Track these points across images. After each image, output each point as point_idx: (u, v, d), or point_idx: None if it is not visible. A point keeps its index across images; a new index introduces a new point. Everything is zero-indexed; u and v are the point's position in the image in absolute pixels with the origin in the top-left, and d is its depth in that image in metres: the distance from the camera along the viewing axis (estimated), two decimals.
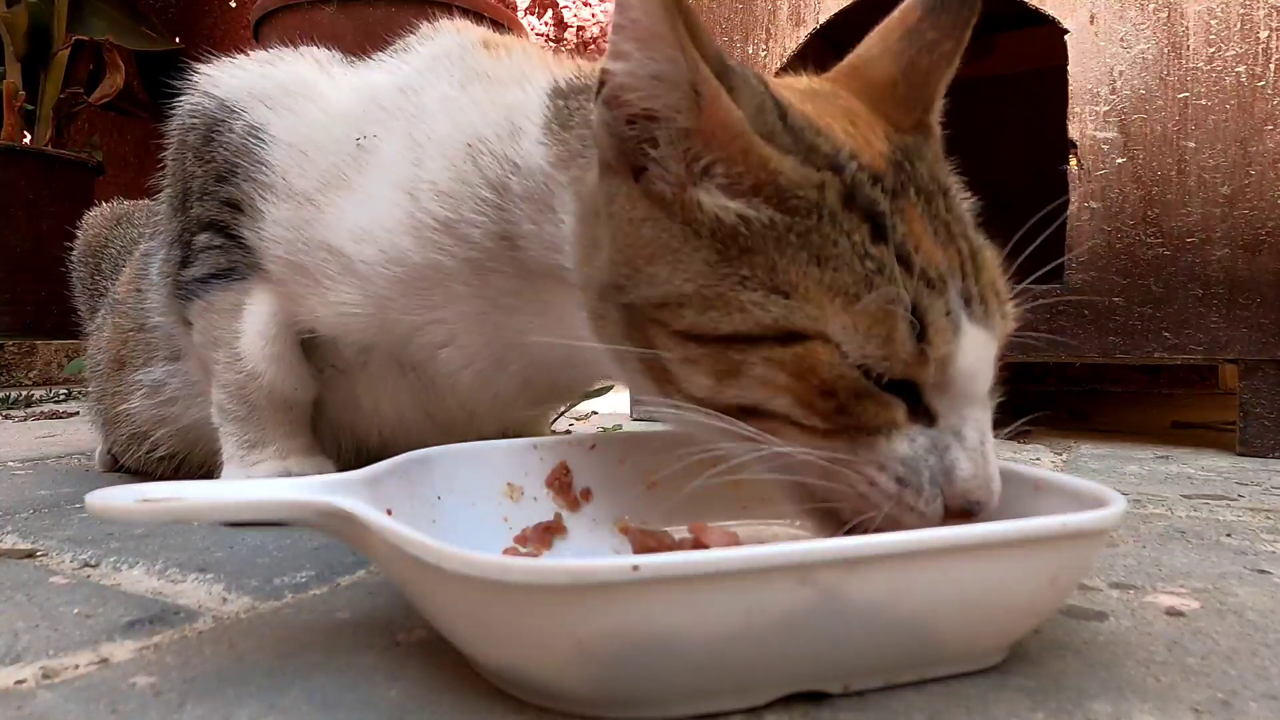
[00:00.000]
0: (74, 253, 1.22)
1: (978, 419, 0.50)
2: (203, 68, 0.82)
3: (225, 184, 0.77)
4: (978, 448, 0.49)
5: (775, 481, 0.53)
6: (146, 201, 1.24)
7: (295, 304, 0.76)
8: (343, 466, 0.85)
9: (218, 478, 0.83)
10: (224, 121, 0.78)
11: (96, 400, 1.09)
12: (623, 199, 0.53)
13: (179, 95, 0.83)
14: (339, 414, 0.86)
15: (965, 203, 0.55)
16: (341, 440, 0.88)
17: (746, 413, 0.50)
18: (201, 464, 0.95)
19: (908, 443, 0.49)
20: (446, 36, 0.76)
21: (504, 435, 0.90)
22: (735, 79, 0.50)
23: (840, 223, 0.48)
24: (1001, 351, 0.54)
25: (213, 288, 0.79)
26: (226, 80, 0.80)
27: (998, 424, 0.54)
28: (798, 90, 0.56)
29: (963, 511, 0.48)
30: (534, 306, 0.69)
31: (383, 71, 0.76)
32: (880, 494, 0.49)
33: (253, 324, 0.78)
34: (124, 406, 0.98)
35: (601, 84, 0.53)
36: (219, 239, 0.79)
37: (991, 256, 0.53)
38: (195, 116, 0.80)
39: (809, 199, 0.49)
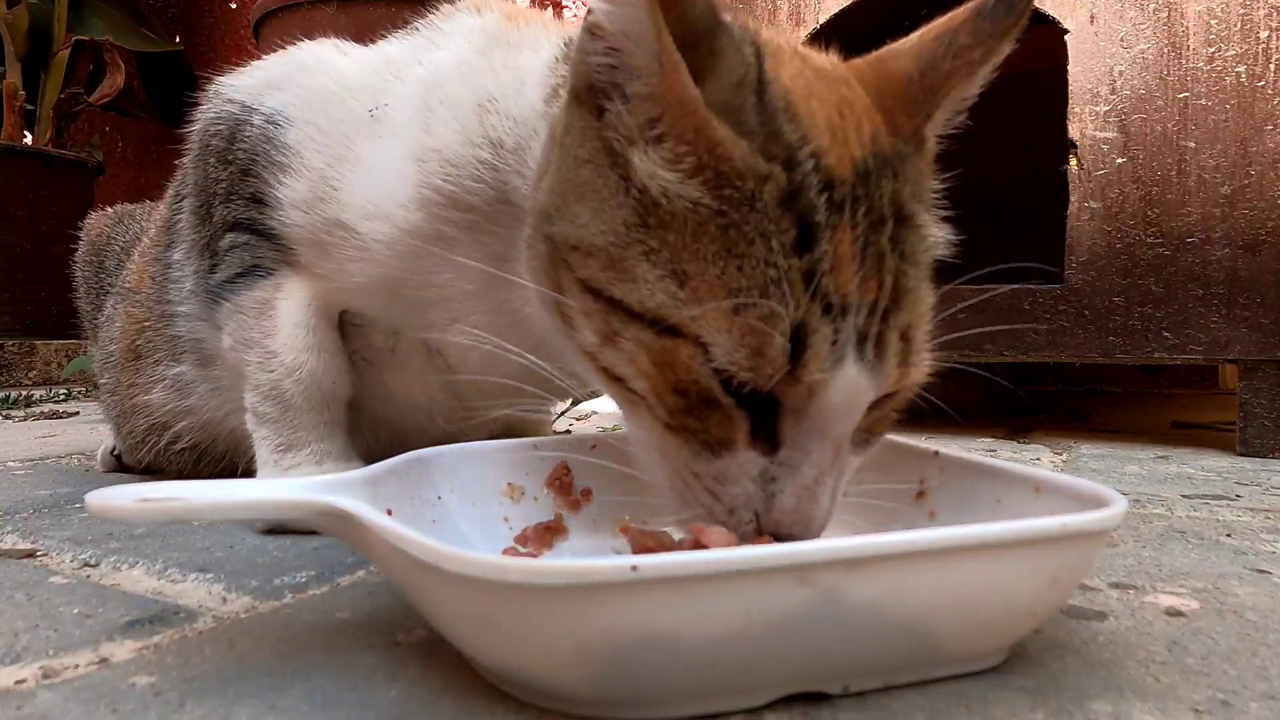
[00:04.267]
0: (78, 254, 1.23)
1: (820, 457, 0.49)
2: (223, 78, 0.83)
3: (249, 178, 0.77)
4: (809, 486, 0.49)
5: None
6: (148, 203, 1.25)
7: (326, 283, 0.77)
8: None
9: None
10: (245, 120, 0.78)
11: (110, 392, 1.08)
12: (576, 133, 0.53)
13: (197, 105, 0.83)
14: (376, 409, 0.86)
15: (927, 239, 0.52)
16: (380, 438, 0.88)
17: (617, 381, 0.51)
18: (224, 454, 0.95)
19: (735, 465, 0.49)
20: (468, 11, 0.76)
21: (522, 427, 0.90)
22: (722, 43, 0.48)
23: (767, 222, 0.46)
24: (900, 404, 0.53)
25: (239, 288, 0.79)
26: (245, 83, 0.81)
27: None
28: (810, 66, 0.54)
29: (773, 537, 0.49)
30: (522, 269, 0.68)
31: (400, 45, 0.77)
32: (694, 499, 0.51)
33: (289, 316, 0.78)
34: (143, 398, 0.97)
35: (590, 9, 0.51)
36: (244, 236, 0.79)
37: (920, 303, 0.51)
38: (220, 123, 0.80)
39: (745, 191, 0.47)
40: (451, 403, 0.82)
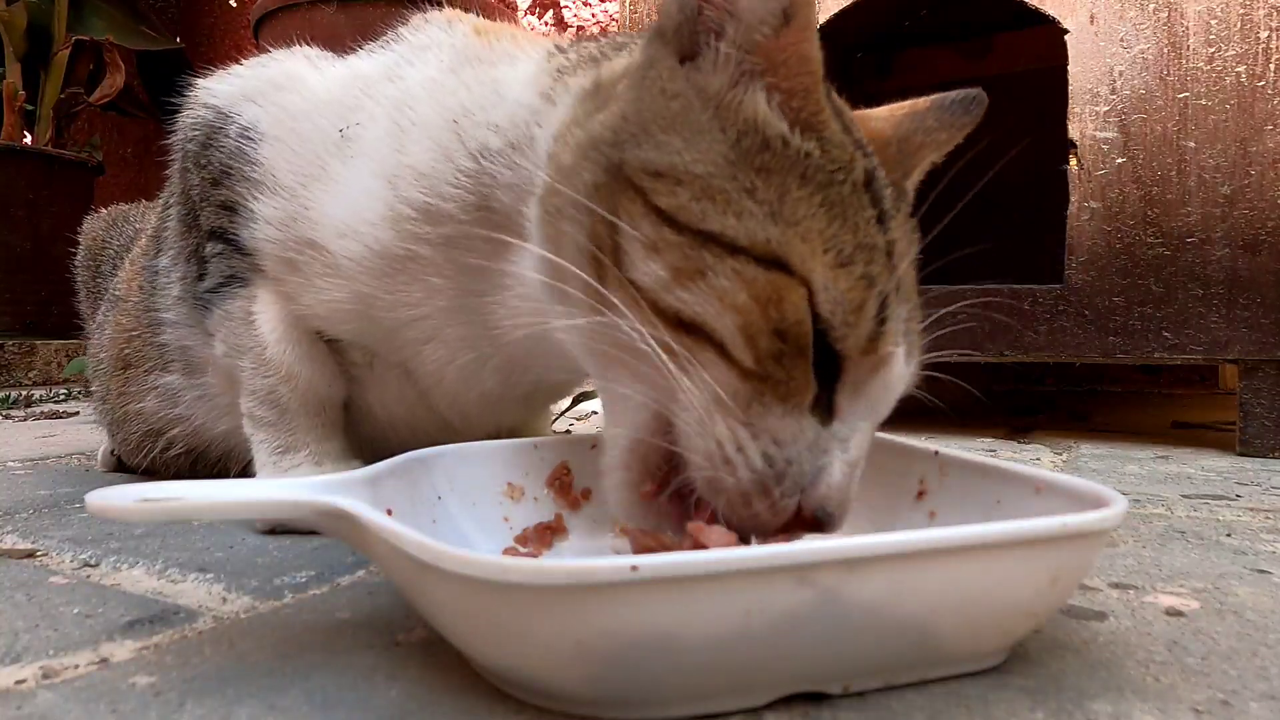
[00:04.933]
0: (76, 258, 1.23)
1: (863, 438, 0.51)
2: (201, 81, 0.82)
3: (220, 187, 0.77)
4: (853, 463, 0.50)
5: (622, 400, 0.53)
6: (143, 202, 1.25)
7: (294, 301, 0.76)
8: None
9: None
10: (221, 129, 0.78)
11: (102, 400, 1.08)
12: (664, 69, 0.53)
13: (180, 110, 0.83)
14: (361, 426, 0.85)
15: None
16: (365, 456, 0.87)
17: (681, 326, 0.49)
18: (218, 459, 0.95)
19: (795, 429, 0.48)
20: (438, 25, 0.76)
21: (511, 435, 0.90)
22: None
23: (857, 194, 0.50)
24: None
25: (225, 296, 0.79)
26: (222, 88, 0.80)
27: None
28: None
29: (814, 520, 0.48)
30: (498, 279, 0.67)
31: (370, 60, 0.76)
32: (743, 463, 0.48)
33: (273, 329, 0.77)
34: (135, 406, 0.97)
35: None
36: (220, 245, 0.79)
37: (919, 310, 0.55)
38: (196, 129, 0.80)
39: (843, 159, 0.50)
40: (434, 420, 0.81)
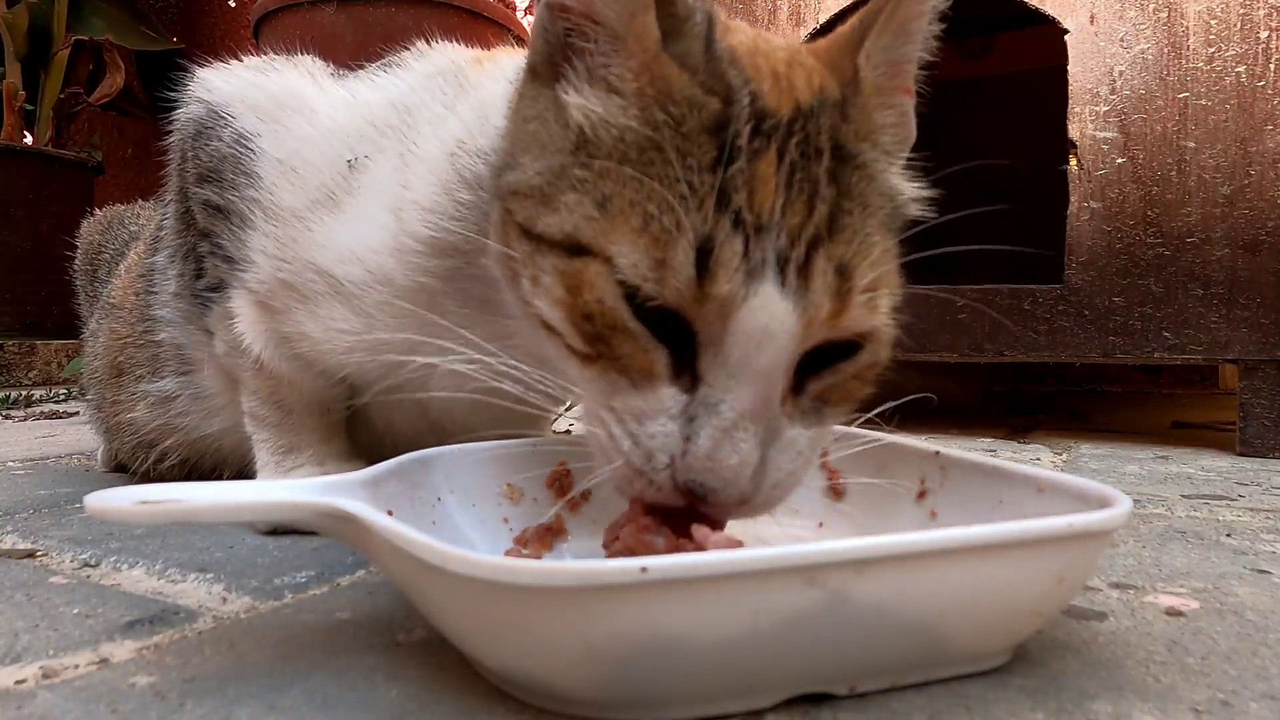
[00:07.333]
0: (75, 261, 1.23)
1: (741, 397, 0.46)
2: (200, 71, 0.81)
3: (206, 185, 0.76)
4: (727, 428, 0.45)
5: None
6: (139, 202, 1.25)
7: (281, 319, 0.75)
8: None
9: None
10: (212, 127, 0.76)
11: (96, 409, 1.08)
12: (529, 100, 0.55)
13: (177, 105, 0.82)
14: (359, 431, 0.85)
15: (878, 181, 0.51)
16: (363, 454, 0.87)
17: (546, 329, 0.50)
18: (213, 469, 0.95)
19: (655, 400, 0.47)
20: (442, 55, 0.75)
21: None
22: (678, 7, 0.50)
23: (689, 144, 0.47)
24: (862, 372, 0.51)
25: (224, 296, 0.78)
26: (219, 85, 0.78)
27: None
28: (763, 39, 0.56)
29: (691, 494, 0.46)
30: (506, 300, 0.67)
31: (376, 88, 0.75)
32: (613, 449, 0.49)
33: (264, 344, 0.76)
34: (128, 416, 0.97)
35: None
36: (208, 245, 0.78)
37: (866, 244, 0.48)
38: (190, 124, 0.79)
39: (676, 116, 0.48)
40: (434, 431, 0.80)
